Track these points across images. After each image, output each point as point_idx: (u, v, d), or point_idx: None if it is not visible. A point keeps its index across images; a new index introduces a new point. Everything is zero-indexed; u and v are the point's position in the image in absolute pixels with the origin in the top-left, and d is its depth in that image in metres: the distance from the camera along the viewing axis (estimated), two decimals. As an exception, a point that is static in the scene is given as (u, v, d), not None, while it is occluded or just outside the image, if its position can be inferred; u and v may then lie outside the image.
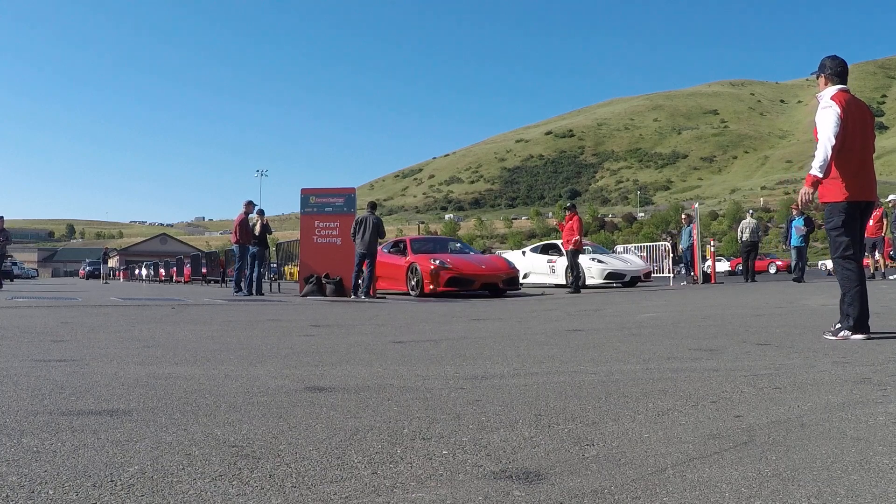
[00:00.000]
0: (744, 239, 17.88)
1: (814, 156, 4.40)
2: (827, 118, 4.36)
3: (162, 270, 35.90)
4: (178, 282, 30.70)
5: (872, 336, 4.38)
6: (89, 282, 43.53)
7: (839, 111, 4.32)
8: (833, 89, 4.50)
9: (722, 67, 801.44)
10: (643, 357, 3.75)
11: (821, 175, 4.35)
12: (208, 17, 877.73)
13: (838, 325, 4.47)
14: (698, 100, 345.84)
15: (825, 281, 17.35)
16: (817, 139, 4.37)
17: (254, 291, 13.80)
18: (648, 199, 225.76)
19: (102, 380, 3.06)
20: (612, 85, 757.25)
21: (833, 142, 4.29)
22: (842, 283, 4.49)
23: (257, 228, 14.21)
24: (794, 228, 16.09)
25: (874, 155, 4.65)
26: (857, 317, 4.37)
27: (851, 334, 4.35)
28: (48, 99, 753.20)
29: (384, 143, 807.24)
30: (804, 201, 4.53)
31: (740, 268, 41.04)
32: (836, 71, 4.55)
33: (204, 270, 26.24)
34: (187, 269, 30.60)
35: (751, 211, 20.94)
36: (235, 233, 14.31)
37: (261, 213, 14.53)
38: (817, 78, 4.66)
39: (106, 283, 37.86)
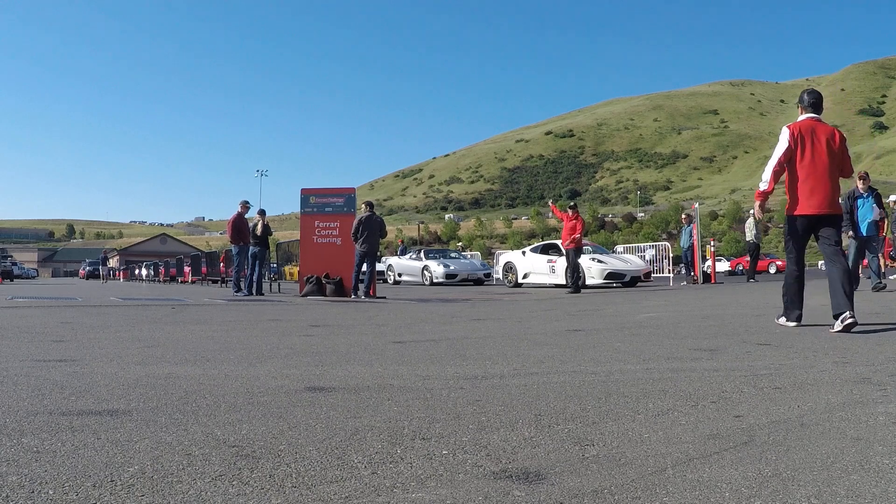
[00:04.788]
0: (747, 239, 17.99)
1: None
2: (777, 145, 5.24)
3: (162, 269, 35.89)
4: (184, 282, 30.50)
5: (802, 325, 5.21)
6: (89, 282, 43.55)
7: (787, 140, 5.14)
8: (801, 118, 5.30)
9: (722, 67, 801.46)
10: (643, 357, 3.75)
11: (762, 188, 5.30)
12: (208, 17, 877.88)
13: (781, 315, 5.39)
14: (698, 100, 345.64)
15: (825, 280, 17.31)
16: None
17: (254, 291, 13.80)
18: (648, 199, 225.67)
19: (102, 380, 3.06)
20: (612, 85, 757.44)
21: (773, 165, 5.20)
22: (785, 279, 5.34)
23: (258, 228, 14.22)
24: (870, 210, 10.97)
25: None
26: (786, 305, 5.27)
27: (786, 321, 5.28)
28: (48, 99, 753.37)
29: (384, 143, 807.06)
30: (757, 215, 5.71)
31: (740, 268, 41.17)
32: (811, 102, 5.31)
33: (203, 270, 26.24)
34: (187, 269, 30.57)
35: (752, 211, 20.78)
36: (229, 232, 14.30)
37: (262, 213, 14.53)
38: (798, 107, 5.43)
39: (104, 283, 37.88)
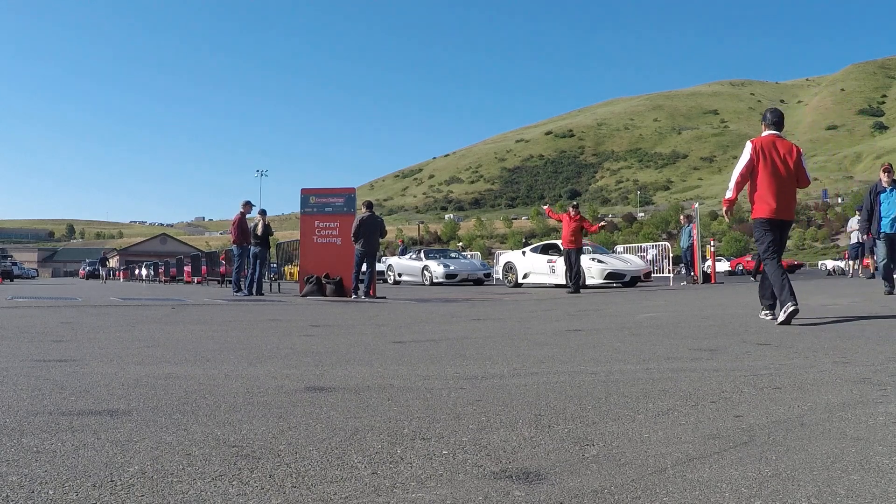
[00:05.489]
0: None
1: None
2: (740, 158, 5.81)
3: (162, 270, 35.88)
4: (188, 282, 30.03)
5: (797, 314, 5.40)
6: (89, 282, 43.57)
7: (750, 153, 5.69)
8: (763, 134, 5.87)
9: (722, 67, 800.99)
10: (643, 357, 3.75)
11: (728, 196, 5.85)
12: (208, 16, 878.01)
13: (764, 310, 5.85)
14: (698, 100, 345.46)
15: (825, 280, 17.36)
16: None
17: (254, 291, 13.81)
18: (648, 199, 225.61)
19: (102, 380, 3.06)
20: (612, 85, 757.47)
21: (735, 176, 5.75)
22: (770, 277, 5.68)
23: (259, 228, 14.22)
24: (894, 204, 9.64)
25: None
26: (773, 302, 5.68)
27: (771, 315, 5.65)
28: (48, 98, 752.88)
29: (384, 142, 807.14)
30: (726, 218, 6.20)
31: (740, 268, 41.19)
32: (773, 120, 5.88)
33: (204, 270, 26.20)
34: (188, 269, 30.47)
35: None
36: (233, 233, 14.32)
37: (262, 213, 14.53)
38: (762, 124, 6.01)
39: (104, 283, 37.90)
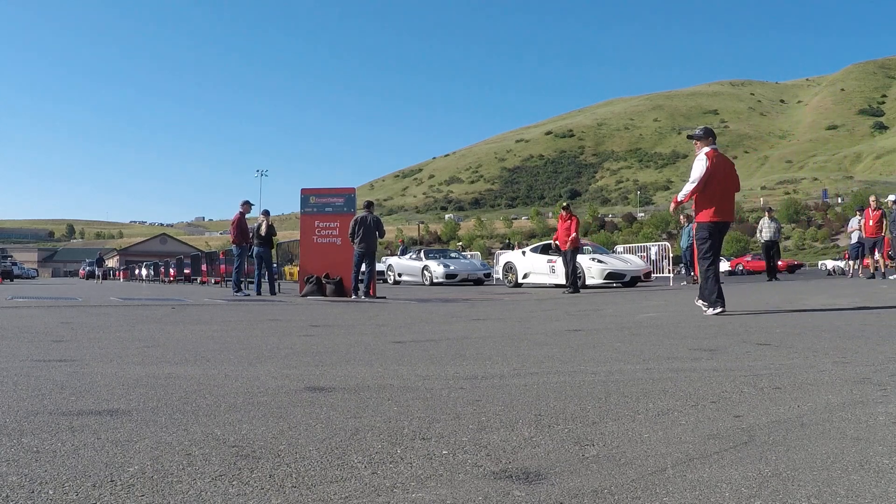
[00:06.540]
0: (764, 239, 17.89)
1: (683, 186, 6.72)
2: (697, 166, 6.50)
3: (162, 269, 35.81)
4: (204, 282, 28.95)
5: (725, 312, 6.34)
6: (89, 282, 43.54)
7: (708, 164, 6.43)
8: (708, 147, 6.63)
9: (722, 67, 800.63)
10: (643, 357, 3.75)
11: (680, 199, 6.71)
12: (207, 15, 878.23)
13: (707, 306, 6.53)
14: (698, 100, 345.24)
15: (825, 280, 17.35)
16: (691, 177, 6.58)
17: (254, 291, 13.82)
18: (648, 199, 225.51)
19: (102, 380, 3.06)
20: (612, 85, 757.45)
21: (696, 184, 6.46)
22: (708, 279, 6.53)
23: (262, 229, 14.22)
24: None
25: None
26: (712, 298, 6.44)
27: (712, 311, 6.38)
28: (48, 98, 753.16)
29: (384, 142, 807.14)
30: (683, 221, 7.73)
31: (740, 267, 41.17)
32: (714, 136, 6.75)
33: (204, 269, 26.14)
34: (187, 271, 30.35)
35: (768, 210, 20.01)
36: (233, 233, 14.32)
37: (266, 213, 14.53)
38: (696, 140, 6.79)
39: (100, 283, 37.86)
